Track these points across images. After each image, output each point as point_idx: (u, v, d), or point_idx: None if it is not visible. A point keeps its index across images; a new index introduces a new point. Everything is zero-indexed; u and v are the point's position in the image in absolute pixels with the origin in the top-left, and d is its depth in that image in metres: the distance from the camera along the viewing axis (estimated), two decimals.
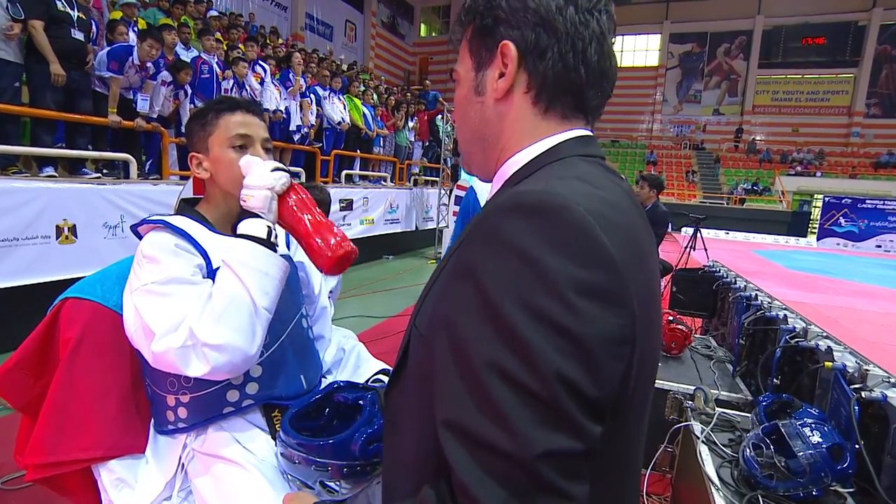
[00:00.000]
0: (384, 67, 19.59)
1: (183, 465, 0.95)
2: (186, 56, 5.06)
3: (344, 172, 7.28)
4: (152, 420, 1.03)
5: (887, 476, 1.33)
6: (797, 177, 18.97)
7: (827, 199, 16.27)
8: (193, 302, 0.87)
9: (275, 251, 0.92)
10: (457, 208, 4.64)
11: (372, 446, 0.89)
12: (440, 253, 8.41)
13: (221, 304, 0.85)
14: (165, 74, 4.55)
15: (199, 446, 0.94)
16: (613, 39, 0.57)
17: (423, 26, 23.21)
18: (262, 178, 0.93)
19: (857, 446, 1.36)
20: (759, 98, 22.76)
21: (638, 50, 24.66)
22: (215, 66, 5.09)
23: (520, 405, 0.39)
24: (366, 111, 7.67)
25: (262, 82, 5.56)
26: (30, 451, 0.93)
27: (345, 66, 10.44)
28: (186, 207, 1.08)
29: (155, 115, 4.58)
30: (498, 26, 0.55)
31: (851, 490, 1.39)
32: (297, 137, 6.20)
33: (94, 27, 4.20)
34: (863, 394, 1.49)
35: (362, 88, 7.90)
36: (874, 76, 20.84)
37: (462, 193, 5.13)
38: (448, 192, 8.60)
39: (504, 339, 0.40)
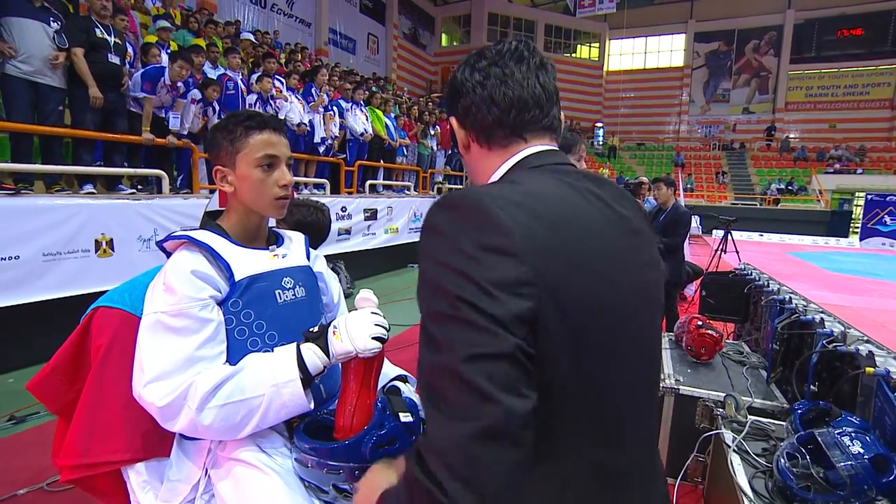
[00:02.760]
0: (406, 78, 19.85)
1: (206, 469, 0.97)
2: (213, 74, 5.26)
3: (368, 182, 7.38)
4: None
5: None
6: (836, 175, 18.17)
7: (870, 196, 15.49)
8: (199, 348, 0.91)
9: (310, 387, 0.96)
10: None
11: (382, 449, 0.89)
12: None
13: (232, 396, 0.88)
14: (195, 92, 4.74)
15: (222, 450, 0.96)
16: (532, 67, 0.71)
17: (444, 36, 23.44)
18: (359, 339, 0.93)
19: None
20: (791, 95, 21.98)
21: (662, 51, 24.25)
22: (240, 82, 5.27)
23: (444, 329, 0.53)
24: (388, 122, 7.78)
25: (285, 99, 5.72)
26: (64, 453, 0.97)
27: (369, 79, 10.61)
28: (209, 221, 1.11)
29: (185, 132, 4.76)
30: (448, 108, 0.78)
31: None
32: (321, 149, 6.33)
33: (130, 50, 4.42)
34: None
35: (384, 99, 8.02)
36: None
37: None
38: None
39: (430, 290, 0.56)
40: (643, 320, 0.66)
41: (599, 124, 24.83)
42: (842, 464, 1.25)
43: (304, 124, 5.93)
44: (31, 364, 3.42)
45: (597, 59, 24.67)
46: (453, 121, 0.76)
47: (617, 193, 0.71)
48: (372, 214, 6.80)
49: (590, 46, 24.63)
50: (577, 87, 24.02)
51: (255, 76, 5.58)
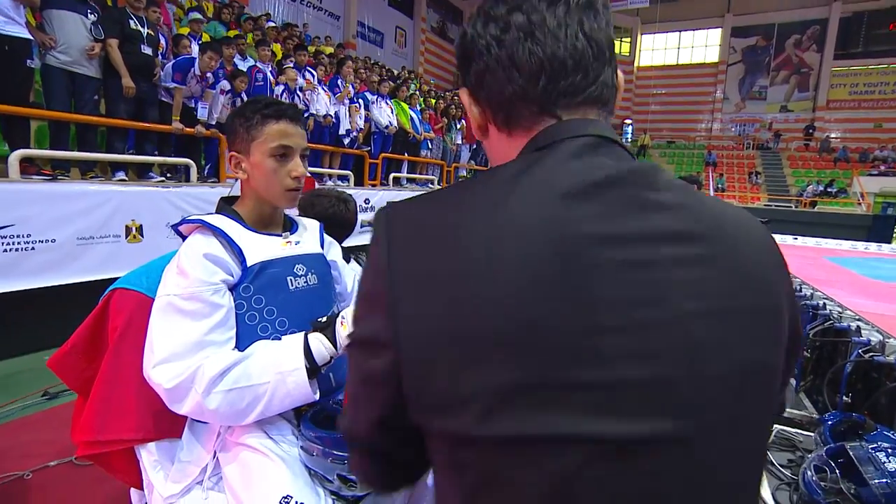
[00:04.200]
0: (434, 72, 19.81)
1: (215, 452, 0.98)
2: (243, 66, 5.34)
3: (392, 175, 7.40)
4: None
5: None
6: (880, 177, 17.30)
7: None
8: (209, 332, 0.91)
9: (316, 377, 0.95)
10: None
11: None
12: None
13: (239, 382, 0.89)
14: (224, 84, 4.82)
15: (230, 435, 0.97)
16: (561, 16, 0.49)
17: None
18: None
19: None
20: (833, 92, 20.98)
21: (696, 47, 23.51)
22: (269, 74, 5.34)
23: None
24: (413, 115, 7.78)
25: (313, 89, 5.77)
26: (80, 429, 0.99)
27: (395, 72, 10.63)
28: (224, 206, 1.12)
29: (214, 122, 4.86)
30: (461, 74, 0.56)
31: None
32: (346, 141, 6.38)
33: (162, 41, 4.52)
34: None
35: (410, 92, 8.02)
36: None
37: None
38: None
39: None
40: None
41: (629, 121, 24.27)
42: (876, 481, 1.18)
43: (330, 116, 5.98)
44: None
45: (628, 54, 24.07)
46: (464, 94, 0.56)
47: (670, 188, 0.47)
48: None
49: (620, 41, 24.04)
50: None
51: (283, 67, 5.65)
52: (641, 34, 23.78)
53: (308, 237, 1.15)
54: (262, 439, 0.94)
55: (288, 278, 1.05)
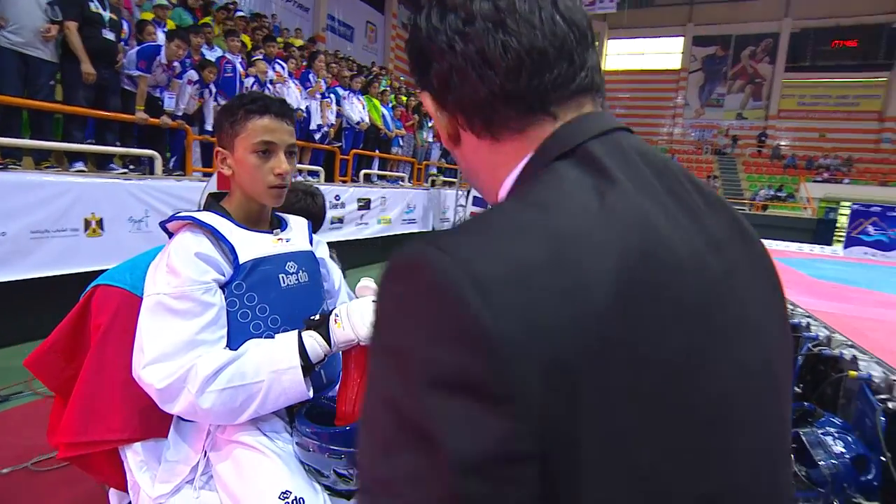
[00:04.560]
0: (404, 68, 19.68)
1: (205, 451, 0.98)
2: (210, 56, 5.17)
3: (363, 172, 7.34)
4: None
5: None
6: (824, 183, 18.46)
7: (855, 206, 15.76)
8: (200, 331, 0.90)
9: (310, 375, 0.95)
10: (475, 209, 4.63)
11: None
12: None
13: (233, 381, 0.89)
14: (192, 73, 4.66)
15: (222, 433, 0.97)
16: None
17: None
18: (360, 327, 0.93)
19: (882, 458, 1.33)
20: (784, 102, 22.21)
21: (660, 53, 24.33)
22: (238, 65, 5.20)
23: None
24: (385, 111, 7.73)
25: (284, 82, 5.66)
26: (62, 431, 0.97)
27: (366, 67, 10.51)
28: (213, 203, 1.11)
29: (180, 113, 4.70)
30: (418, 80, 0.48)
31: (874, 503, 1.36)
32: (317, 136, 6.28)
33: (125, 26, 4.33)
34: (889, 404, 1.45)
35: (382, 89, 7.96)
36: None
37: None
38: (465, 192, 8.60)
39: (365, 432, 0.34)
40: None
41: None
42: (824, 462, 1.29)
43: (301, 110, 5.88)
44: (17, 342, 3.37)
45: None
46: (426, 99, 0.48)
47: (701, 190, 0.44)
48: (365, 204, 6.77)
49: None
50: None
51: (252, 59, 5.50)
52: (609, 39, 24.40)
53: (297, 234, 1.16)
54: (256, 436, 0.94)
55: (280, 276, 1.05)
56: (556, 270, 0.31)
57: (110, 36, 4.07)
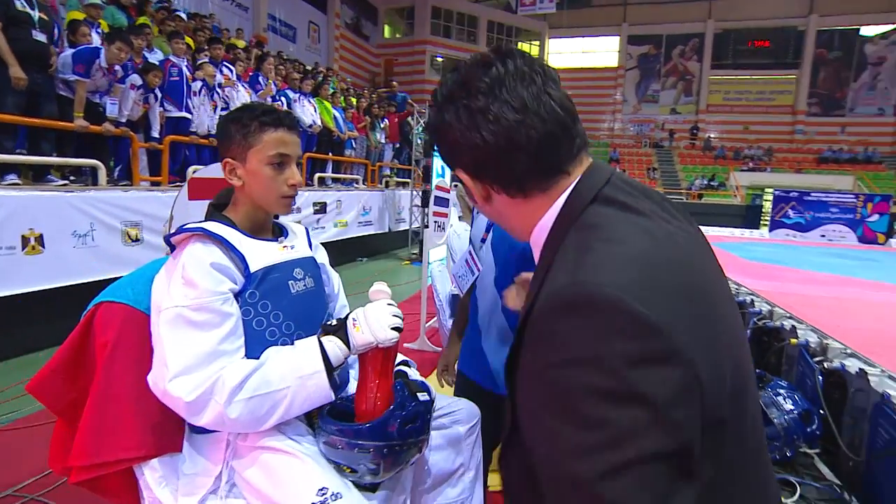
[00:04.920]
0: (349, 69, 19.43)
1: (227, 461, 0.99)
2: (151, 59, 4.93)
3: (317, 175, 7.23)
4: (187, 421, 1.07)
5: (847, 435, 1.51)
6: (750, 172, 20.05)
7: (777, 192, 17.24)
8: (221, 342, 0.92)
9: (331, 378, 0.98)
10: (438, 209, 4.71)
11: (408, 427, 0.97)
12: (414, 254, 8.46)
13: (259, 389, 0.91)
14: (135, 77, 4.43)
15: (244, 441, 0.99)
16: (539, 81, 0.57)
17: (386, 28, 23.13)
18: (379, 330, 0.98)
19: (822, 411, 1.53)
20: (712, 97, 23.89)
21: (598, 52, 25.40)
22: (185, 68, 4.99)
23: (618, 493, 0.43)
24: (336, 114, 7.65)
25: (233, 86, 5.48)
26: (74, 454, 0.95)
27: (310, 68, 10.31)
28: (215, 213, 1.12)
29: (124, 120, 4.46)
30: (447, 159, 0.65)
31: (818, 451, 1.56)
32: None
33: (56, 28, 4.05)
34: (825, 364, 1.67)
35: (332, 90, 7.86)
36: (814, 77, 22.32)
37: (444, 195, 5.21)
38: (419, 192, 8.65)
39: (561, 414, 0.47)
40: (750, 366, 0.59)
41: None
42: (777, 419, 1.47)
43: None
44: None
45: (537, 56, 25.31)
46: (462, 175, 0.63)
47: (665, 200, 0.62)
48: (321, 208, 6.67)
49: (530, 44, 25.27)
50: None
51: (198, 62, 5.29)
52: (549, 38, 25.18)
53: (300, 241, 1.18)
54: (281, 440, 0.96)
55: (289, 282, 1.08)
56: (651, 279, 0.49)
57: (41, 37, 3.80)
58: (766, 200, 17.91)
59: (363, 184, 8.62)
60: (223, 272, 0.98)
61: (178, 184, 4.91)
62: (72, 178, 4.22)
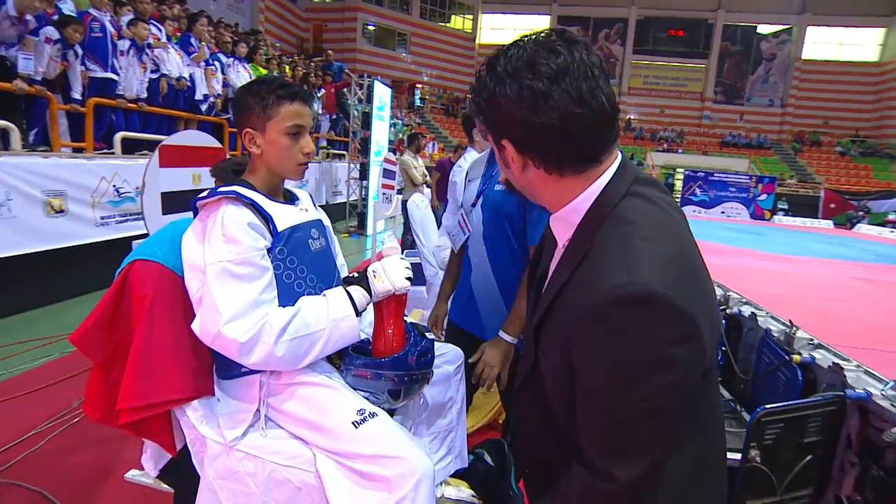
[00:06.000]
0: (275, 33, 18.31)
1: (262, 400, 1.12)
2: (67, 9, 4.46)
3: None
4: (215, 367, 1.18)
5: (741, 364, 1.93)
6: (664, 153, 21.89)
7: (686, 172, 19.06)
8: (262, 292, 1.04)
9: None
10: (386, 181, 4.80)
11: (422, 359, 1.18)
12: (352, 227, 8.47)
13: (300, 331, 1.05)
14: (50, 30, 4.01)
15: (277, 380, 1.12)
16: (595, 75, 0.64)
17: None
18: (396, 280, 1.15)
19: (724, 347, 1.94)
20: (633, 81, 25.47)
21: (529, 30, 25.73)
22: (108, 24, 4.57)
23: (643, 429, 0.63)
24: None
25: (164, 48, 5.10)
26: (123, 397, 1.04)
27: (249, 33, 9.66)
28: (237, 178, 1.21)
29: (39, 77, 4.04)
30: (494, 128, 0.72)
31: (720, 379, 1.98)
32: (203, 107, 5.80)
33: None
34: (727, 311, 2.09)
35: (266, 56, 7.50)
36: (720, 68, 24.54)
37: (391, 167, 5.29)
38: (357, 165, 8.60)
39: (620, 390, 0.61)
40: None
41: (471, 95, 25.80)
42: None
43: (185, 78, 5.37)
44: None
45: (470, 30, 25.42)
46: (507, 145, 0.70)
47: (662, 187, 0.76)
48: None
49: (464, 18, 25.21)
50: (450, 56, 24.66)
51: (125, 19, 4.85)
52: (483, 13, 25.24)
53: (309, 205, 1.31)
54: (315, 376, 1.11)
55: (308, 241, 1.21)
56: (685, 277, 0.63)
57: None
58: (677, 179, 19.70)
59: None
60: (258, 231, 1.09)
61: (104, 151, 4.56)
62: None
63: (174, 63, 5.25)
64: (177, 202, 2.04)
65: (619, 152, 0.73)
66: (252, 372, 1.12)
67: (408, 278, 1.18)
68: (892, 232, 10.14)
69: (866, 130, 24.15)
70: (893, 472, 0.94)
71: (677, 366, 0.60)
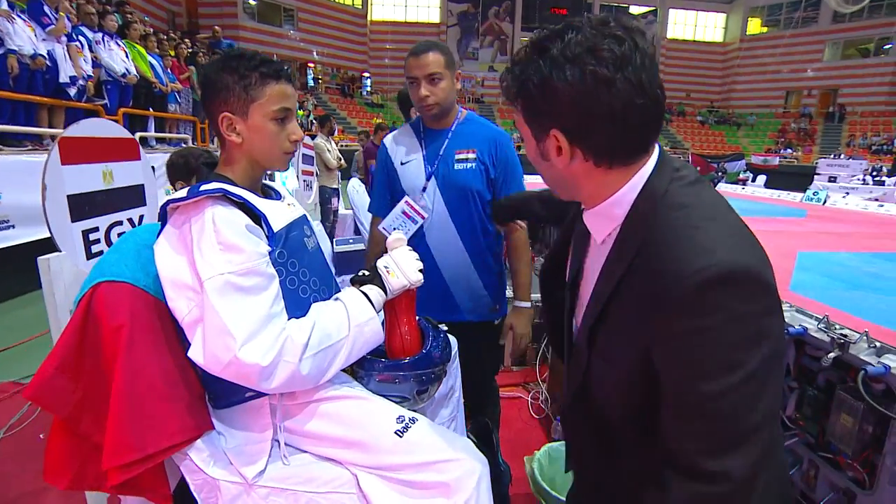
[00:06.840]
0: (140, 5, 16.00)
1: (278, 425, 0.97)
2: None
3: (137, 135, 6.02)
4: (207, 396, 1.00)
5: None
6: None
7: None
8: (272, 304, 0.89)
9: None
10: (305, 167, 4.49)
11: (445, 351, 1.12)
12: None
13: (322, 343, 0.91)
14: None
15: (292, 400, 0.97)
16: (644, 63, 0.61)
17: None
18: (411, 273, 1.06)
19: None
20: None
21: (420, 6, 25.64)
22: None
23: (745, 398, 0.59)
24: (153, 61, 6.41)
25: (10, 18, 4.16)
26: (110, 454, 0.82)
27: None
28: (212, 173, 1.01)
29: None
30: (542, 116, 0.65)
31: None
32: (72, 92, 4.87)
33: None
34: None
35: (143, 32, 6.53)
36: None
37: (309, 152, 4.93)
38: None
39: (723, 366, 0.58)
40: None
41: (367, 74, 25.17)
42: None
43: (43, 56, 4.46)
44: None
45: (360, 6, 24.46)
46: (557, 133, 0.64)
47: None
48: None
49: None
50: (341, 34, 23.68)
51: None
52: None
53: (292, 199, 1.14)
54: (337, 389, 0.98)
55: (304, 239, 1.05)
56: (754, 248, 0.62)
57: None
58: None
59: (193, 143, 7.52)
60: (256, 234, 0.92)
61: None
62: None
63: (25, 37, 4.33)
64: (88, 205, 1.71)
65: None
66: (257, 395, 0.97)
67: (420, 270, 1.08)
68: (743, 189, 12.26)
69: (718, 102, 28.26)
70: (824, 389, 1.09)
71: (773, 336, 0.59)
